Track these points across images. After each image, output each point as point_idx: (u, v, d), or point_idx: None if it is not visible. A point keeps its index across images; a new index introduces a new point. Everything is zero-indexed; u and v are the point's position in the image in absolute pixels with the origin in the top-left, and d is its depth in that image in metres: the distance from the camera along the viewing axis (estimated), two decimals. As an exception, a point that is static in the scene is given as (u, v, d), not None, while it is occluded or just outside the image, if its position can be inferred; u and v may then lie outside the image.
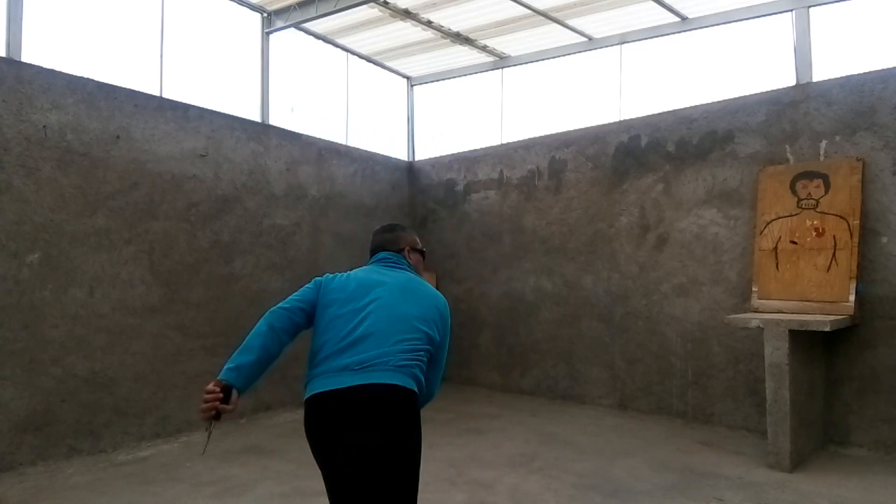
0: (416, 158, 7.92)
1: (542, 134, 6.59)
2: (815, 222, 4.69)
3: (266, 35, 6.38)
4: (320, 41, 6.90)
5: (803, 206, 4.77)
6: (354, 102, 7.34)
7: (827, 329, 3.99)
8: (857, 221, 4.46)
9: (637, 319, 5.79)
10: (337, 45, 7.01)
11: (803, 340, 4.28)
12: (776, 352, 4.18)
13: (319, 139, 6.60)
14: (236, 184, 5.75)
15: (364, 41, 6.91)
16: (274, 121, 6.32)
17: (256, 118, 6.21)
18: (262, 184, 5.97)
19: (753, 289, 4.90)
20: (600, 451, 4.61)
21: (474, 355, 7.12)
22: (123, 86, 4.98)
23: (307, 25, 6.57)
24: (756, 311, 4.82)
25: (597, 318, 6.09)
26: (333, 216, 6.70)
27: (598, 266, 6.09)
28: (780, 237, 4.84)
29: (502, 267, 6.88)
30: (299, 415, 5.78)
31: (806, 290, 4.63)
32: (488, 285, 7.00)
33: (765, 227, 4.93)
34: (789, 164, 4.93)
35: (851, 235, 4.47)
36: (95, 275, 4.72)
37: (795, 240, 4.76)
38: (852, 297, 4.38)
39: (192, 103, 5.48)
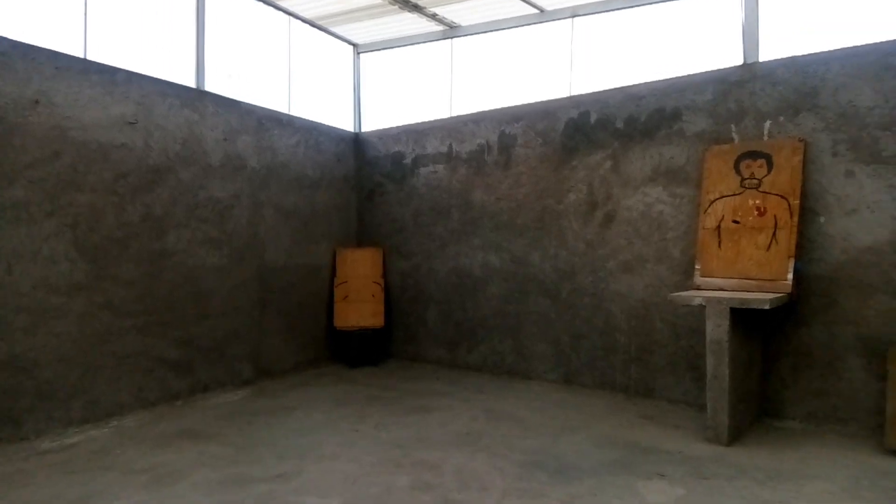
0: (363, 130, 7.68)
1: (492, 108, 6.47)
2: (757, 202, 4.77)
3: (201, -6, 5.97)
4: (261, 3, 6.52)
5: (746, 186, 4.84)
6: (297, 69, 7.02)
7: (766, 307, 4.07)
8: (798, 201, 4.55)
9: (583, 296, 5.82)
10: (278, 8, 6.64)
11: (743, 317, 4.37)
12: (717, 329, 4.26)
13: (259, 107, 6.28)
14: (169, 153, 5.41)
15: (307, 4, 6.57)
16: (210, 87, 5.97)
17: (191, 84, 5.84)
18: (197, 154, 5.65)
19: (696, 266, 4.97)
20: (546, 428, 4.63)
21: (421, 331, 7.05)
22: (43, 46, 4.56)
23: (246, -15, 6.19)
24: (698, 288, 4.90)
25: (544, 294, 6.09)
26: (275, 188, 6.43)
27: (546, 243, 6.07)
28: (723, 216, 4.91)
29: (451, 242, 6.79)
30: (239, 395, 5.65)
31: (746, 269, 4.73)
32: (436, 261, 6.91)
33: (709, 206, 4.99)
34: (734, 144, 4.98)
35: (791, 215, 4.57)
36: (14, 250, 4.36)
37: (738, 219, 4.83)
38: (790, 276, 4.49)
39: (121, 66, 5.09)
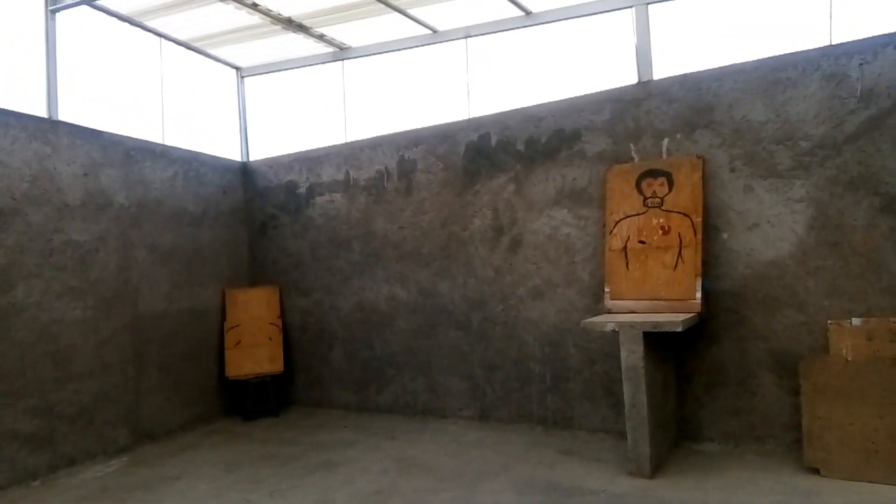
0: (252, 158, 7.11)
1: (390, 132, 6.13)
2: (660, 220, 4.69)
3: (51, 14, 5.27)
4: (125, 23, 5.87)
5: (649, 205, 4.75)
6: (175, 96, 6.38)
7: (679, 329, 3.94)
8: (700, 218, 4.50)
9: (495, 325, 5.54)
10: (147, 29, 6.01)
11: (656, 340, 4.22)
12: (632, 355, 4.08)
13: (127, 137, 5.60)
14: (14, 193, 4.65)
15: (180, 24, 5.99)
16: (66, 116, 5.25)
17: (42, 113, 5.10)
18: (50, 192, 4.90)
19: (605, 289, 4.81)
20: (462, 475, 4.25)
21: (326, 373, 6.51)
22: None
23: (106, 4, 5.54)
24: (609, 311, 4.74)
25: (454, 325, 5.76)
26: (149, 227, 5.73)
27: (454, 271, 5.76)
28: (628, 236, 4.79)
29: (353, 276, 6.34)
30: (113, 466, 4.87)
31: (655, 289, 4.61)
32: (338, 297, 6.42)
33: (614, 227, 4.86)
34: (634, 163, 4.90)
35: (695, 232, 4.50)
36: None
37: (643, 239, 4.72)
38: (699, 294, 4.40)
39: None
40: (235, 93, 7.14)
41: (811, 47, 4.30)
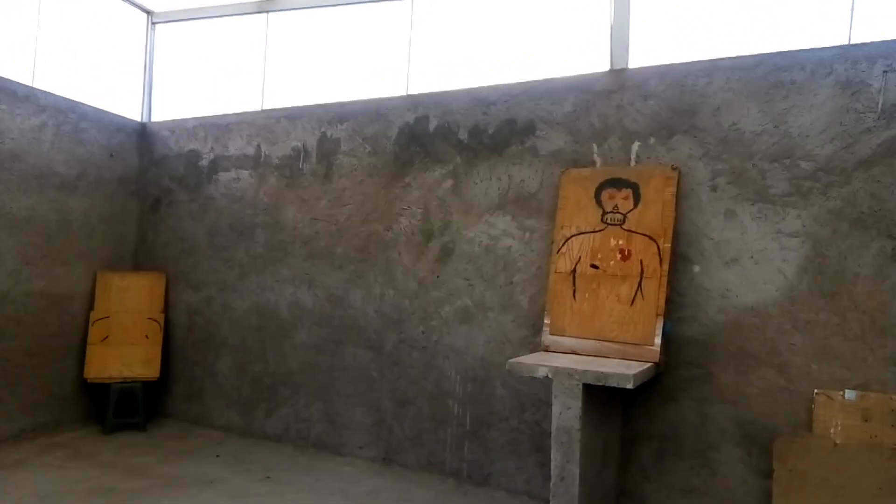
0: (154, 119, 5.98)
1: (313, 103, 5.11)
2: (620, 242, 3.77)
3: None
4: (-4, -69, 4.73)
5: (608, 222, 3.83)
6: (61, 34, 5.24)
7: (629, 386, 3.02)
8: (669, 245, 3.59)
9: (412, 350, 4.56)
10: (24, -58, 4.88)
11: (599, 394, 3.30)
12: (566, 412, 3.16)
13: (-27, 71, 4.47)
14: None
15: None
16: None
17: None
18: None
19: (546, 321, 3.87)
20: (333, 549, 3.24)
21: (209, 386, 5.42)
22: None
23: None
24: (546, 349, 3.80)
25: (364, 344, 4.75)
26: (-7, 186, 4.59)
27: (371, 279, 4.76)
28: (579, 258, 3.86)
29: (253, 272, 5.28)
30: None
31: (605, 328, 3.68)
32: (234, 295, 5.35)
33: (563, 244, 3.92)
34: (595, 168, 3.98)
35: (661, 261, 3.59)
36: None
37: (597, 263, 3.80)
38: (658, 340, 3.49)
39: None
40: (144, 40, 6.00)
41: (825, 45, 3.44)
